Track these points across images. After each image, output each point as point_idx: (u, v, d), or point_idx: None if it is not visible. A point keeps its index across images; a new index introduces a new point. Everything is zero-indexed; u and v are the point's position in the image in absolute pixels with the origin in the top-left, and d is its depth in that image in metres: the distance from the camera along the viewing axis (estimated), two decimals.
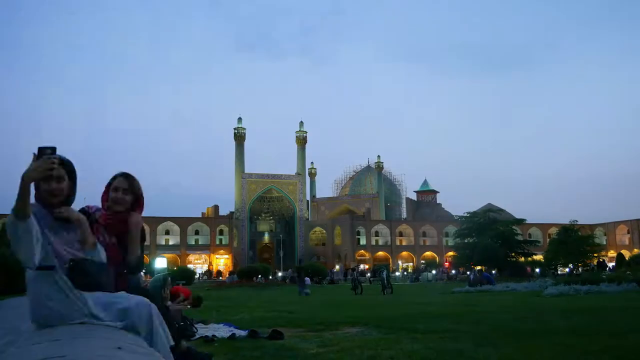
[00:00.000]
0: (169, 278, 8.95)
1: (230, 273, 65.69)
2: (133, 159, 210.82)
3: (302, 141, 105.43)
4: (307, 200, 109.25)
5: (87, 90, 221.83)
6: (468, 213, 63.27)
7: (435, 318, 11.81)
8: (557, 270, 50.26)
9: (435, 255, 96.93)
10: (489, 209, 64.93)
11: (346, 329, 10.09)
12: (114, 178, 3.40)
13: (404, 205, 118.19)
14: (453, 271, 62.56)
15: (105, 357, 2.33)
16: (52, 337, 2.67)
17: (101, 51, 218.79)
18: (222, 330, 9.49)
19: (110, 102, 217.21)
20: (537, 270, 50.28)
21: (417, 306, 16.45)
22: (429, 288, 37.01)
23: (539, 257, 61.85)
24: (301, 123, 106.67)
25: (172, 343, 3.00)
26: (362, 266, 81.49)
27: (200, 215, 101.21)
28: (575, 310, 13.07)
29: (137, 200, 3.39)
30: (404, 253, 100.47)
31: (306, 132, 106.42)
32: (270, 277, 61.09)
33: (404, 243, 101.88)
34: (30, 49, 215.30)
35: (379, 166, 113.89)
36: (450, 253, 75.38)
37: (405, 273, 68.41)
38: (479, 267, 47.90)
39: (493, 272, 47.86)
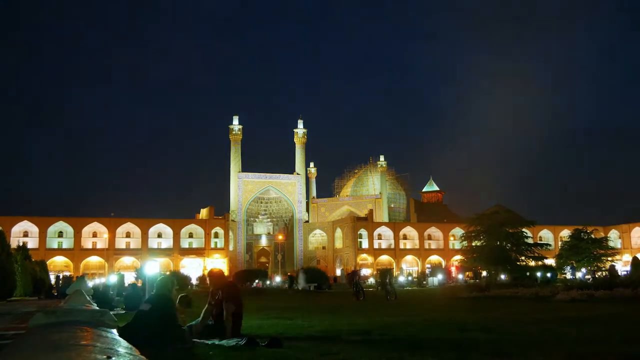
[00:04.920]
0: (175, 280, 8.91)
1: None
2: (129, 159, 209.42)
3: (301, 140, 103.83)
4: (307, 202, 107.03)
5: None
6: (475, 214, 61.28)
7: (441, 326, 11.55)
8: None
9: (441, 259, 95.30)
10: (497, 211, 62.30)
11: (347, 337, 9.84)
12: None
13: (408, 206, 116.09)
14: (460, 276, 60.83)
15: None
16: (40, 346, 2.58)
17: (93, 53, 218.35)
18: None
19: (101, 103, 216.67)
20: (549, 274, 47.96)
21: (422, 313, 15.98)
22: (434, 293, 36.39)
23: (550, 260, 59.67)
24: (300, 120, 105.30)
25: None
26: (363, 271, 78.67)
27: (194, 217, 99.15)
28: (588, 317, 12.78)
29: None
30: (409, 256, 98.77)
31: (306, 130, 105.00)
32: (268, 282, 59.90)
33: (408, 246, 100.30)
34: None
35: (382, 166, 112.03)
36: (457, 256, 73.45)
37: (410, 278, 66.23)
38: (484, 272, 46.34)
39: (502, 276, 45.89)
